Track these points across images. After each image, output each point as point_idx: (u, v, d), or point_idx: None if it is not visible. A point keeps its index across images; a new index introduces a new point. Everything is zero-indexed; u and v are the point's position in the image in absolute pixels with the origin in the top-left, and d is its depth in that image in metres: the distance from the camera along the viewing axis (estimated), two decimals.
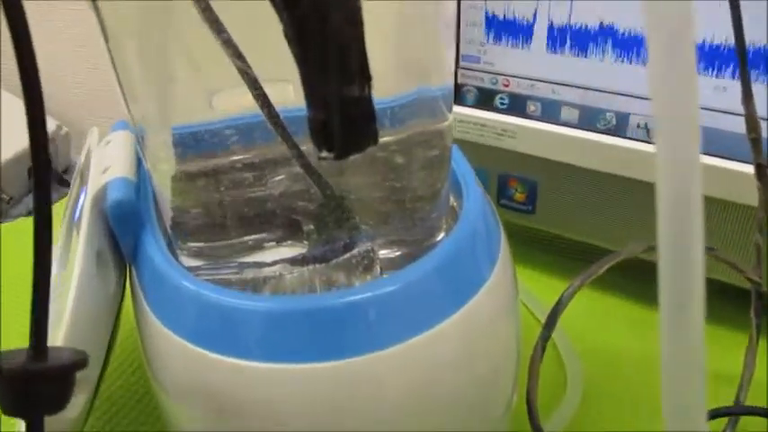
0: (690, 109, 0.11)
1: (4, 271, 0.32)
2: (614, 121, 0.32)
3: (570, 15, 0.31)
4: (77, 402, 0.20)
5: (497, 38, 0.33)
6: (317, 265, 0.21)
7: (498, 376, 0.21)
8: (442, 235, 0.23)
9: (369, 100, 0.16)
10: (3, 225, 0.43)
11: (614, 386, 0.31)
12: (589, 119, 0.32)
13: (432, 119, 0.22)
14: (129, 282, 0.23)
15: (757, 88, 0.27)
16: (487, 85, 0.34)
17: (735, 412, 0.26)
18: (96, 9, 0.18)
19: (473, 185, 0.22)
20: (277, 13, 0.14)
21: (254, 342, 0.18)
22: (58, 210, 0.28)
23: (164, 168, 0.21)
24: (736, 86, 0.28)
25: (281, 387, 0.18)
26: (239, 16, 0.17)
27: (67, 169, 0.80)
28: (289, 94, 0.18)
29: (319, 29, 0.15)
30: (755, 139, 0.24)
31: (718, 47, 0.28)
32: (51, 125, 0.77)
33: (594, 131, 0.32)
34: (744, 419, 0.27)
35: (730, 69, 0.28)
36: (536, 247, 0.39)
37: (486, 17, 0.33)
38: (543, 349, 0.24)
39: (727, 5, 0.22)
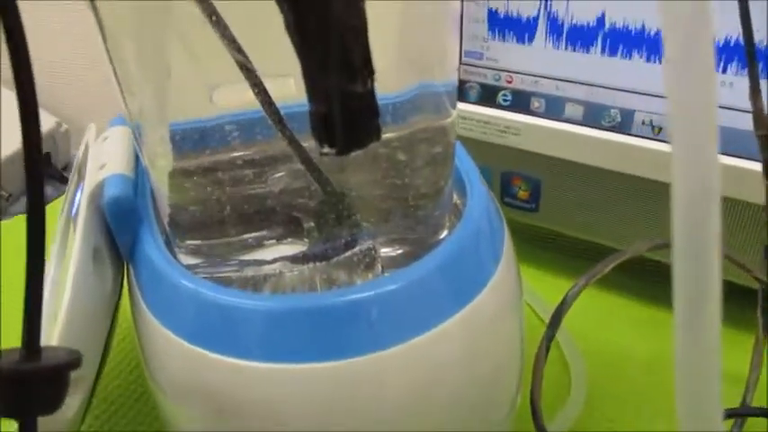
0: (708, 108, 0.11)
1: (3, 269, 0.32)
2: (619, 118, 0.31)
3: (574, 11, 0.30)
4: (73, 402, 0.20)
5: (500, 34, 0.33)
6: (318, 264, 0.21)
7: (502, 376, 0.21)
8: (445, 233, 0.22)
9: (371, 94, 0.16)
10: (2, 222, 0.43)
11: (619, 387, 0.30)
12: (593, 116, 0.32)
13: (435, 115, 0.22)
14: (127, 280, 0.22)
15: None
16: (490, 81, 0.34)
17: (742, 413, 0.26)
18: (93, 4, 0.18)
19: (477, 183, 0.22)
20: (278, 3, 0.14)
21: (254, 341, 0.18)
22: (57, 207, 0.27)
23: (161, 165, 0.21)
24: (742, 82, 0.28)
25: (281, 387, 0.18)
26: (239, 10, 0.17)
27: (67, 166, 0.80)
28: (290, 89, 0.17)
29: (321, 20, 0.14)
30: (764, 136, 0.24)
31: (724, 42, 0.27)
32: (51, 122, 0.77)
33: (599, 128, 0.32)
34: (750, 420, 0.27)
35: (735, 65, 0.28)
36: (539, 246, 0.39)
37: (489, 13, 0.32)
38: (547, 349, 0.23)
39: (730, 1, 0.21)
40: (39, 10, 0.76)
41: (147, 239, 0.21)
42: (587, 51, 0.31)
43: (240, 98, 0.19)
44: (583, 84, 0.32)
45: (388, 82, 0.17)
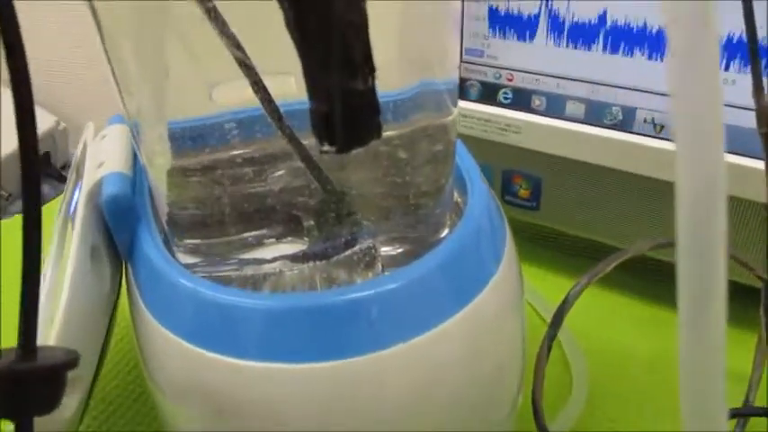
0: (713, 105, 0.10)
1: (3, 268, 0.31)
2: (621, 116, 0.31)
3: (575, 8, 0.30)
4: (70, 403, 0.20)
5: (501, 31, 0.32)
6: (318, 262, 0.21)
7: (503, 376, 0.21)
8: (446, 232, 0.22)
9: (372, 92, 0.16)
10: (2, 222, 0.43)
11: (620, 386, 0.30)
12: (595, 113, 0.32)
13: (436, 113, 0.21)
14: (125, 279, 0.22)
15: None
16: (491, 79, 0.34)
17: (745, 413, 0.26)
18: (91, 3, 0.18)
19: (478, 181, 0.22)
20: (278, 0, 0.13)
21: (253, 341, 0.18)
22: (55, 206, 0.27)
23: (160, 163, 0.21)
24: (744, 80, 0.28)
25: (281, 387, 0.17)
26: (239, 7, 0.17)
27: (65, 165, 0.79)
28: (290, 86, 0.17)
29: (322, 17, 0.14)
30: (767, 134, 0.24)
31: (727, 39, 0.27)
32: (50, 121, 0.77)
33: (600, 126, 0.32)
34: (753, 420, 0.27)
35: (737, 62, 0.28)
36: (540, 245, 0.39)
37: (490, 11, 0.32)
38: (549, 349, 0.23)
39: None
40: (39, 9, 0.76)
41: (146, 238, 0.20)
42: (589, 49, 0.31)
43: (240, 96, 0.19)
44: (584, 81, 0.31)
45: (389, 80, 0.17)
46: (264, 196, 0.21)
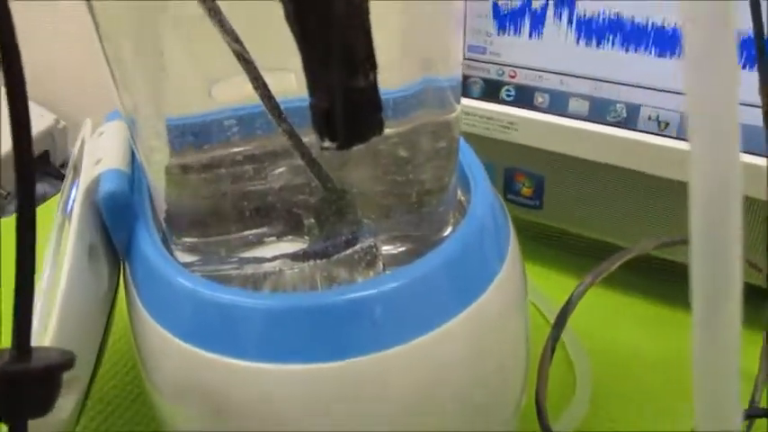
0: (729, 104, 0.10)
1: (3, 267, 0.31)
2: (624, 113, 0.31)
3: (580, 5, 0.30)
4: (67, 404, 0.19)
5: (504, 28, 0.32)
6: (319, 261, 0.20)
7: (507, 377, 0.21)
8: (449, 230, 0.22)
9: (374, 87, 0.15)
10: (2, 220, 0.43)
11: (624, 386, 0.30)
12: (598, 111, 0.31)
13: (439, 110, 0.21)
14: (123, 277, 0.22)
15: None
16: (493, 76, 0.34)
17: (751, 415, 0.25)
18: (88, 1, 0.17)
19: (481, 179, 0.22)
20: None
21: (253, 341, 0.17)
22: (53, 204, 0.27)
23: (157, 159, 0.20)
24: (751, 77, 0.27)
25: (281, 388, 0.17)
26: (238, 3, 0.16)
27: (64, 164, 0.79)
28: (290, 83, 0.17)
29: (322, 10, 0.14)
30: None
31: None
32: (49, 119, 0.77)
33: (604, 124, 0.31)
34: (759, 421, 0.26)
35: (742, 59, 0.27)
36: (543, 244, 0.38)
37: (493, 7, 0.32)
38: (553, 349, 0.23)
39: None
40: (39, 7, 0.75)
41: (144, 236, 0.20)
42: (593, 46, 0.30)
43: (239, 93, 0.18)
44: (587, 78, 0.31)
45: (392, 77, 0.17)
46: (264, 194, 0.21)
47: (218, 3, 0.16)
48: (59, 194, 0.27)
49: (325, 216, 0.21)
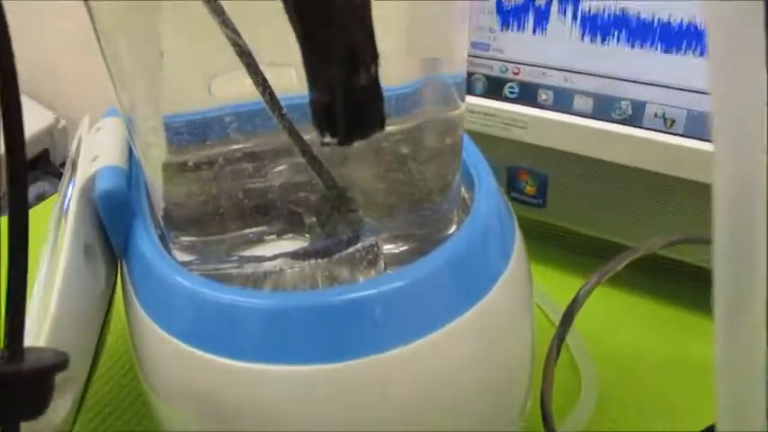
0: (755, 104, 0.10)
1: (2, 266, 0.31)
2: (630, 111, 0.30)
3: (585, 0, 0.29)
4: (62, 405, 0.19)
5: (507, 24, 0.32)
6: (320, 260, 0.20)
7: (513, 378, 0.20)
8: (452, 229, 0.21)
9: (376, 81, 0.15)
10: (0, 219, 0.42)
11: (629, 388, 0.30)
12: (603, 108, 0.31)
13: (443, 107, 0.21)
14: (120, 277, 0.22)
15: None
16: (497, 73, 0.33)
17: None
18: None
19: (485, 177, 0.21)
20: None
21: (252, 342, 0.17)
22: (52, 203, 0.27)
23: (155, 155, 0.20)
24: None
25: (280, 390, 0.17)
26: None
27: (64, 162, 0.79)
28: (291, 79, 0.17)
29: (322, 2, 0.14)
30: None
31: None
32: (49, 118, 0.77)
33: (609, 121, 0.31)
34: None
35: None
36: (547, 243, 0.38)
37: (497, 2, 0.32)
38: (559, 349, 0.22)
39: None
40: (40, 6, 0.75)
41: (141, 234, 0.20)
42: (598, 42, 0.30)
43: (239, 88, 0.18)
44: (592, 75, 0.31)
45: (395, 73, 0.17)
46: (264, 192, 0.21)
47: None
48: (58, 193, 0.27)
49: (326, 214, 0.20)
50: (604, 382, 0.29)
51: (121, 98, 0.19)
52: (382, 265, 0.20)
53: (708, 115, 0.28)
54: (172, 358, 0.18)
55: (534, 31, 0.31)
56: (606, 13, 0.29)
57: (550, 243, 0.38)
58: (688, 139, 0.29)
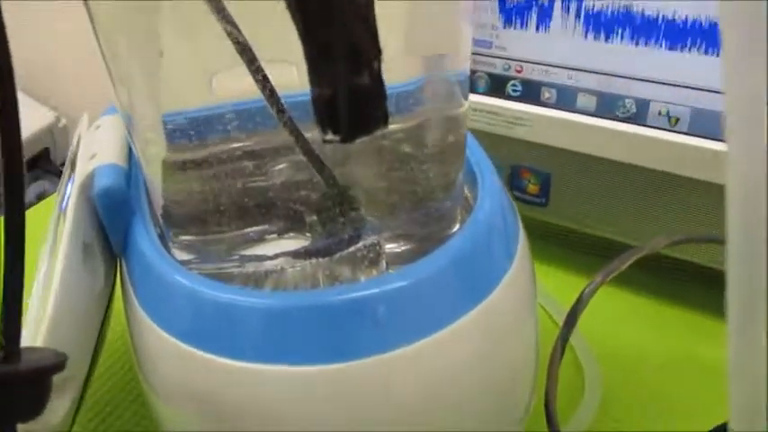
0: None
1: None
2: (634, 109, 0.30)
3: None
4: (60, 406, 0.19)
5: (510, 21, 0.31)
6: (321, 259, 0.20)
7: (517, 379, 0.20)
8: (456, 227, 0.21)
9: (378, 77, 0.15)
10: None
11: (632, 388, 0.29)
12: (607, 106, 0.31)
13: (447, 105, 0.21)
14: (119, 276, 0.21)
15: None
16: (499, 71, 0.33)
17: None
18: None
19: (489, 175, 0.21)
20: None
21: (252, 342, 0.17)
22: (52, 202, 0.26)
23: (153, 152, 0.20)
24: None
25: (281, 390, 0.17)
26: None
27: (65, 161, 0.79)
28: (291, 77, 0.17)
29: None
30: None
31: None
32: (49, 117, 0.76)
33: (613, 119, 0.31)
34: None
35: None
36: (549, 242, 0.38)
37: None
38: (563, 349, 0.22)
39: None
40: (39, 5, 0.75)
41: (140, 233, 0.20)
42: (601, 39, 0.30)
43: (239, 85, 0.18)
44: (596, 73, 0.30)
45: (398, 71, 0.17)
46: (265, 190, 0.20)
47: None
48: (57, 192, 0.27)
49: (327, 213, 0.20)
50: (608, 383, 0.29)
51: (120, 95, 0.19)
52: (384, 264, 0.20)
53: (713, 113, 0.28)
54: (171, 358, 0.18)
55: (537, 28, 0.31)
56: (610, 10, 0.29)
57: (553, 242, 0.38)
58: (692, 138, 0.29)
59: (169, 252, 0.20)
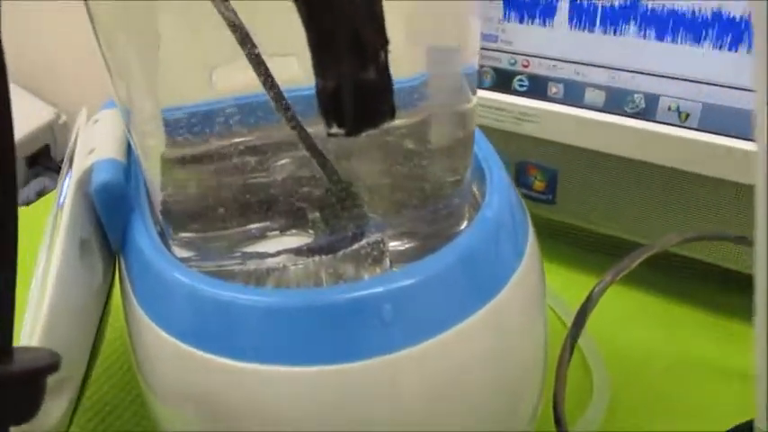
0: None
1: None
2: (643, 104, 0.30)
3: None
4: (56, 407, 0.18)
5: (517, 15, 0.31)
6: (324, 257, 0.19)
7: (525, 379, 0.20)
8: (463, 225, 0.21)
9: (385, 68, 0.14)
10: None
11: (643, 390, 0.29)
12: (616, 101, 0.30)
13: (454, 100, 0.20)
14: (118, 273, 0.21)
15: None
16: (505, 65, 0.32)
17: None
18: None
19: (497, 171, 0.21)
20: None
21: (254, 342, 0.16)
22: (52, 198, 0.26)
23: (152, 145, 0.19)
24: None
25: (283, 392, 0.16)
26: None
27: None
28: (293, 69, 0.16)
29: None
30: None
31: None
32: (50, 113, 0.76)
33: (621, 115, 0.30)
34: None
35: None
36: (556, 240, 0.37)
37: None
38: (572, 349, 0.22)
39: None
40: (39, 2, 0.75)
41: (139, 229, 0.19)
42: (610, 33, 0.29)
43: (241, 79, 0.18)
44: (604, 67, 0.30)
45: (404, 65, 0.16)
46: (267, 186, 0.20)
47: None
48: (56, 188, 0.26)
49: (330, 210, 0.20)
50: (617, 384, 0.29)
51: (118, 89, 0.19)
52: (388, 262, 0.20)
53: (724, 109, 0.28)
54: (170, 358, 0.17)
55: (544, 21, 0.30)
56: (618, 3, 0.28)
57: (560, 240, 0.37)
58: (703, 134, 0.28)
59: (169, 249, 0.19)
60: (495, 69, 0.33)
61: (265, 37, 0.16)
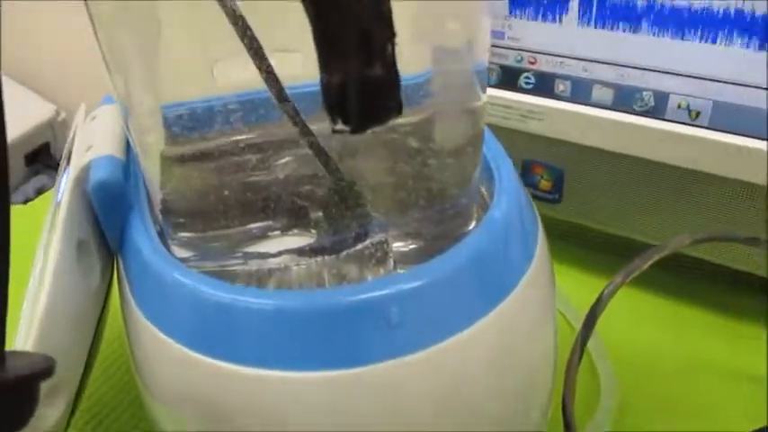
0: None
1: None
2: (652, 102, 0.29)
3: None
4: (51, 412, 0.18)
5: (523, 11, 0.30)
6: (326, 257, 0.19)
7: (535, 383, 0.19)
8: (471, 226, 0.20)
9: (392, 63, 0.14)
10: None
11: (653, 393, 0.29)
12: (624, 99, 0.30)
13: (464, 98, 0.20)
14: (116, 274, 0.21)
15: None
16: (512, 62, 0.32)
17: None
18: None
19: (506, 171, 0.20)
20: None
21: (256, 345, 0.16)
22: (51, 197, 0.26)
23: (151, 141, 0.19)
24: None
25: (286, 398, 0.16)
26: None
27: None
28: (297, 67, 0.16)
29: None
30: None
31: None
32: (49, 110, 0.76)
33: (630, 113, 0.30)
34: None
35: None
36: (565, 241, 0.37)
37: None
38: (582, 352, 0.21)
39: None
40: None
41: (138, 228, 0.19)
42: (618, 29, 0.29)
43: (242, 74, 0.17)
44: (613, 64, 0.29)
45: (412, 61, 0.16)
46: (269, 185, 0.20)
47: None
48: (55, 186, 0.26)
49: (333, 209, 0.19)
50: (625, 387, 0.28)
51: (116, 84, 0.18)
52: (392, 262, 0.19)
53: (736, 107, 0.27)
54: (169, 361, 0.17)
55: (552, 18, 0.30)
56: (627, 1, 0.28)
57: (564, 240, 0.37)
58: (714, 132, 0.28)
59: (168, 249, 0.19)
60: (502, 66, 0.32)
61: (268, 32, 0.16)
